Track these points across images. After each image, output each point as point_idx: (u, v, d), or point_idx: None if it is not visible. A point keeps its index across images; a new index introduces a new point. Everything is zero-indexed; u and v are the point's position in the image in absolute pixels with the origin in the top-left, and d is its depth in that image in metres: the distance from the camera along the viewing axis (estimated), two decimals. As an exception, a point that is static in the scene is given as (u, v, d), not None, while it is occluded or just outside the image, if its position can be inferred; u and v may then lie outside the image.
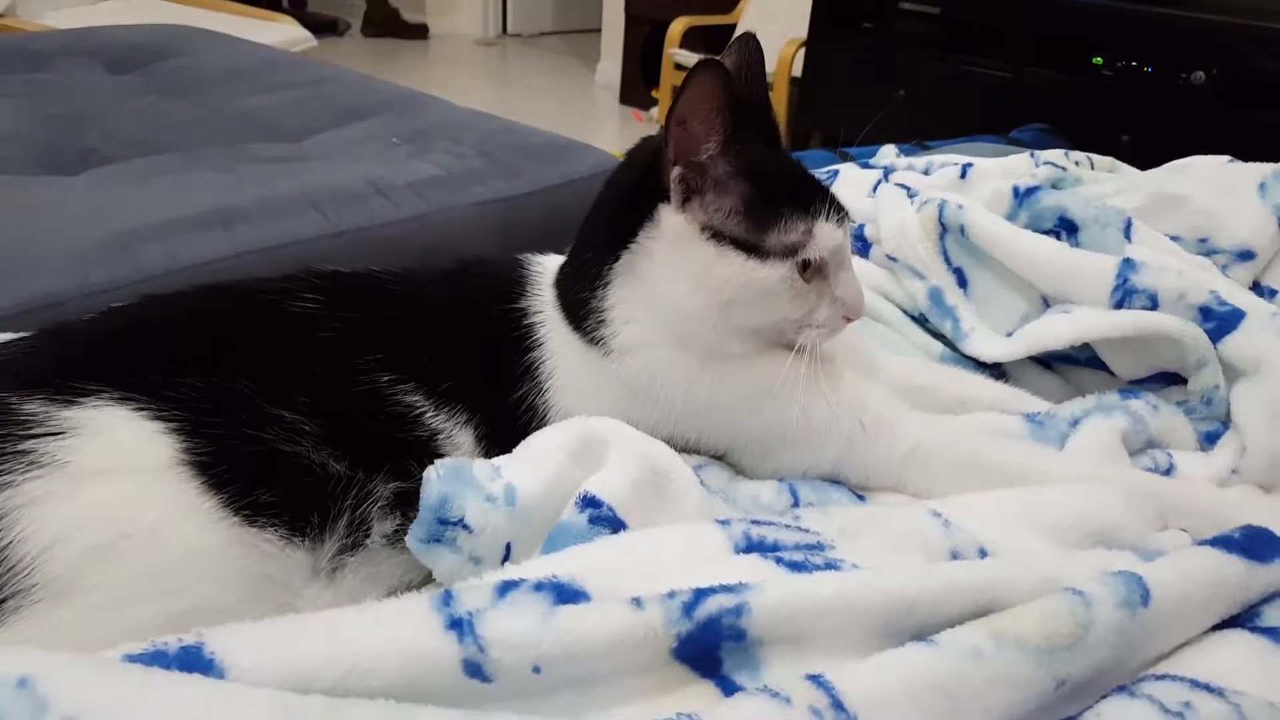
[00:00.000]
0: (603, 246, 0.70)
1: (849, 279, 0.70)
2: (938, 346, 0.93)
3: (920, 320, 0.96)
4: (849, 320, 0.71)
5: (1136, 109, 2.24)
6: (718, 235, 0.66)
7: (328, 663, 0.43)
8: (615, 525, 0.59)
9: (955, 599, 0.52)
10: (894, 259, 0.97)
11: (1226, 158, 1.06)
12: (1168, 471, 0.77)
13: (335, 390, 0.64)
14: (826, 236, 0.67)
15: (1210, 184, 0.99)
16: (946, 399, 0.83)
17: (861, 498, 0.71)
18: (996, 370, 0.89)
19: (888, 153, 1.38)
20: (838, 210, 0.69)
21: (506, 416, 0.69)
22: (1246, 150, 1.08)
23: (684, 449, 0.71)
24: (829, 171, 1.23)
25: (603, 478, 0.60)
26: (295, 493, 0.58)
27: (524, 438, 0.68)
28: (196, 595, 0.54)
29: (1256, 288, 0.94)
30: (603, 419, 0.64)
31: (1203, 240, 0.97)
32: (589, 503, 0.59)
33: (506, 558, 0.60)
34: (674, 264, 0.67)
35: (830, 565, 0.55)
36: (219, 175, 1.26)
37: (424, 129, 1.49)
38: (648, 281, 0.68)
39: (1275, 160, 1.00)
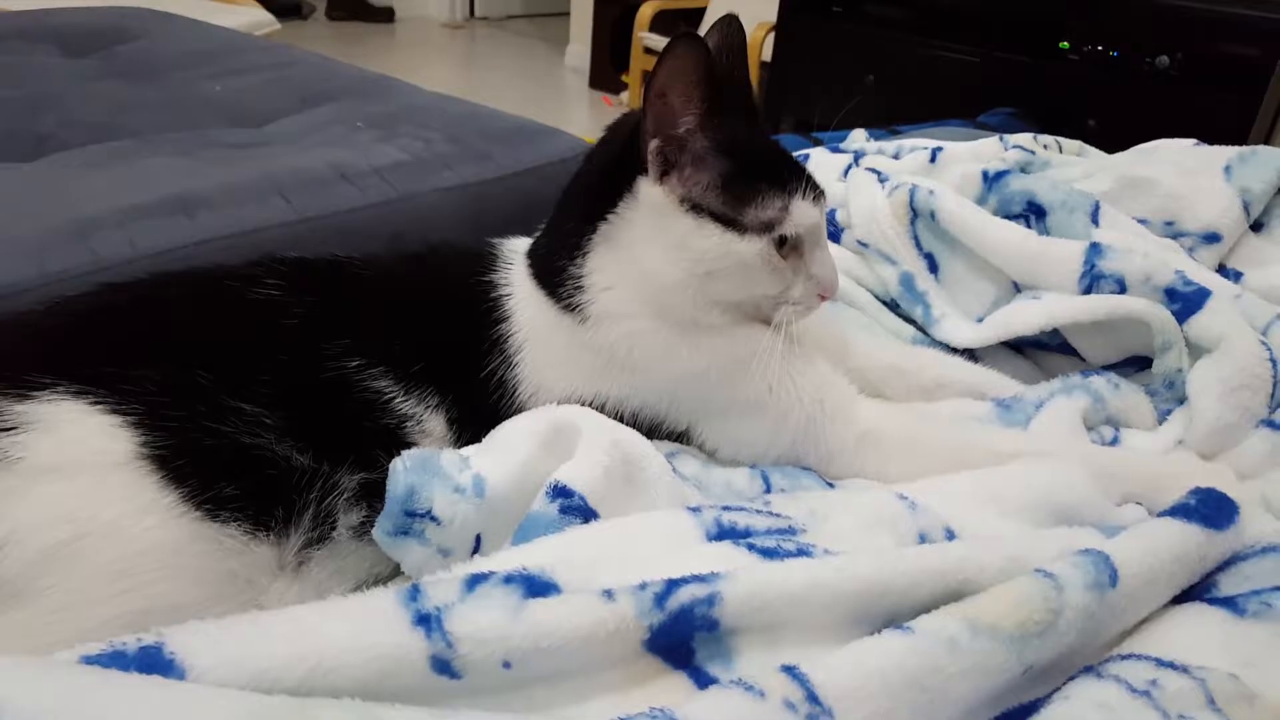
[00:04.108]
0: (582, 216, 0.70)
1: (824, 257, 0.71)
2: (909, 331, 0.93)
3: (892, 305, 0.96)
4: (824, 298, 0.71)
5: (1103, 92, 2.26)
6: (696, 208, 0.66)
7: (292, 661, 0.42)
8: (586, 515, 0.58)
9: (927, 582, 0.52)
10: (865, 244, 0.97)
11: (1193, 141, 1.07)
12: (1113, 444, 0.78)
13: (300, 379, 0.63)
14: (803, 214, 0.67)
15: (1177, 167, 1.00)
16: (925, 381, 0.84)
17: (831, 485, 0.71)
18: (968, 355, 0.89)
19: (858, 137, 1.38)
20: (814, 189, 0.69)
21: (477, 396, 0.69)
22: (1208, 132, 1.09)
23: (650, 425, 0.71)
24: (800, 156, 1.22)
25: (574, 466, 0.59)
26: (258, 486, 0.57)
27: (496, 417, 0.67)
28: (158, 593, 0.53)
29: (1222, 270, 0.95)
30: (573, 407, 0.63)
31: (1169, 223, 0.97)
32: (560, 492, 0.58)
33: (476, 549, 0.59)
34: (653, 235, 0.67)
35: (802, 550, 0.55)
36: (180, 161, 1.23)
37: (390, 113, 1.47)
38: (627, 251, 0.68)
39: (1237, 142, 1.01)
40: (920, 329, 0.93)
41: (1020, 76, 2.36)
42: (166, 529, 0.54)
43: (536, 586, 0.49)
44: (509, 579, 0.49)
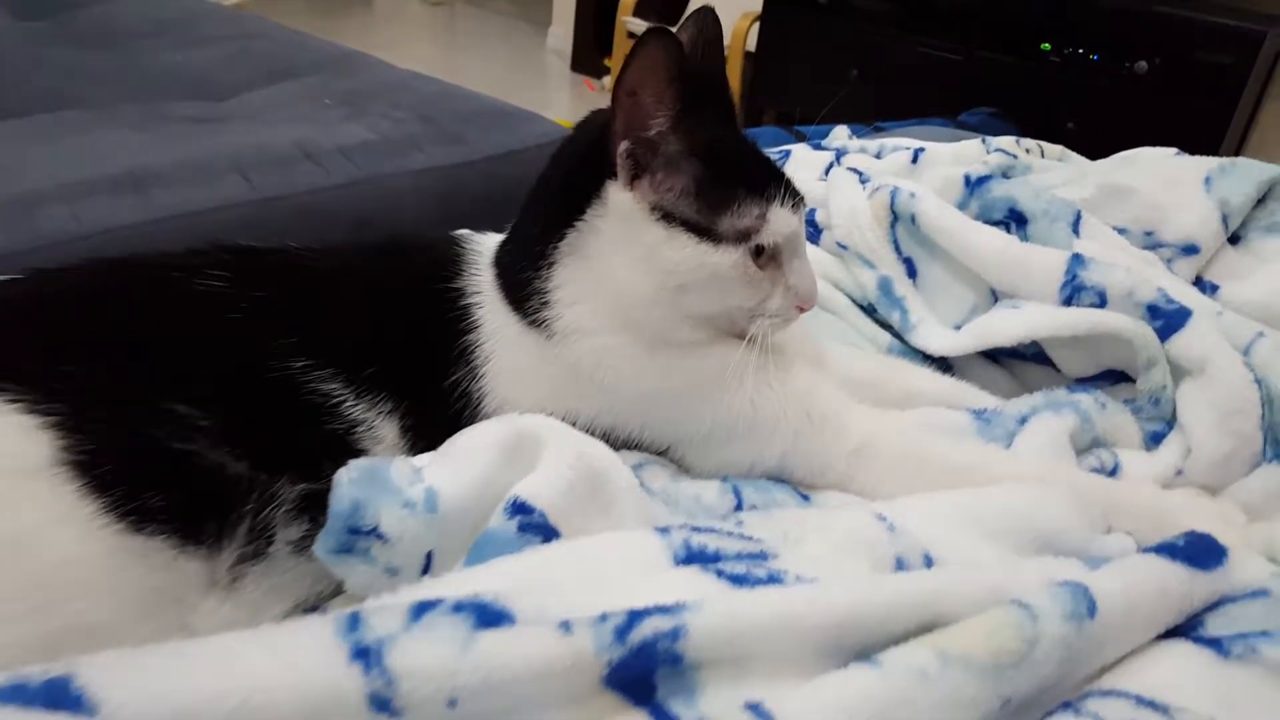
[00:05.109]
0: (548, 224, 0.66)
1: (803, 267, 0.67)
2: (885, 337, 0.90)
3: (869, 310, 0.93)
4: (802, 310, 0.68)
5: (1082, 95, 2.27)
6: (668, 216, 0.63)
7: (216, 697, 0.39)
8: (547, 533, 0.55)
9: (901, 613, 0.50)
10: (844, 246, 0.94)
11: (1174, 150, 1.05)
12: (1113, 471, 0.75)
13: (241, 380, 0.60)
14: (781, 222, 0.64)
15: (1158, 176, 0.99)
16: (893, 393, 0.81)
17: (806, 497, 0.68)
18: (942, 363, 0.87)
19: (840, 134, 1.35)
20: (793, 195, 0.66)
21: (436, 404, 0.65)
22: (1184, 137, 1.09)
23: (625, 442, 0.68)
24: (781, 152, 1.19)
25: (535, 481, 0.56)
26: (189, 496, 0.54)
27: (455, 427, 0.64)
28: (74, 612, 0.49)
29: (1199, 282, 0.94)
30: (537, 416, 0.60)
31: (1149, 233, 0.96)
32: (519, 509, 0.55)
33: (428, 568, 0.56)
34: (622, 245, 0.64)
35: (773, 577, 0.52)
36: (135, 134, 1.18)
37: (360, 90, 1.42)
38: (594, 262, 0.64)
39: (1210, 148, 1.00)
40: (897, 335, 0.90)
41: (1002, 76, 2.37)
42: (86, 541, 0.50)
43: (488, 615, 0.46)
44: (459, 607, 0.46)
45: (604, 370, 0.65)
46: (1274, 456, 0.73)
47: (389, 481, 0.54)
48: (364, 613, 0.45)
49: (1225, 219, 0.93)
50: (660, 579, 0.51)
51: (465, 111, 1.36)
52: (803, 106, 2.66)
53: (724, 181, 0.63)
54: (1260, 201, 0.95)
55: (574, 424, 0.66)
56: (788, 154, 1.17)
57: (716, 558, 0.54)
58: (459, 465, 0.56)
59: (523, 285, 0.66)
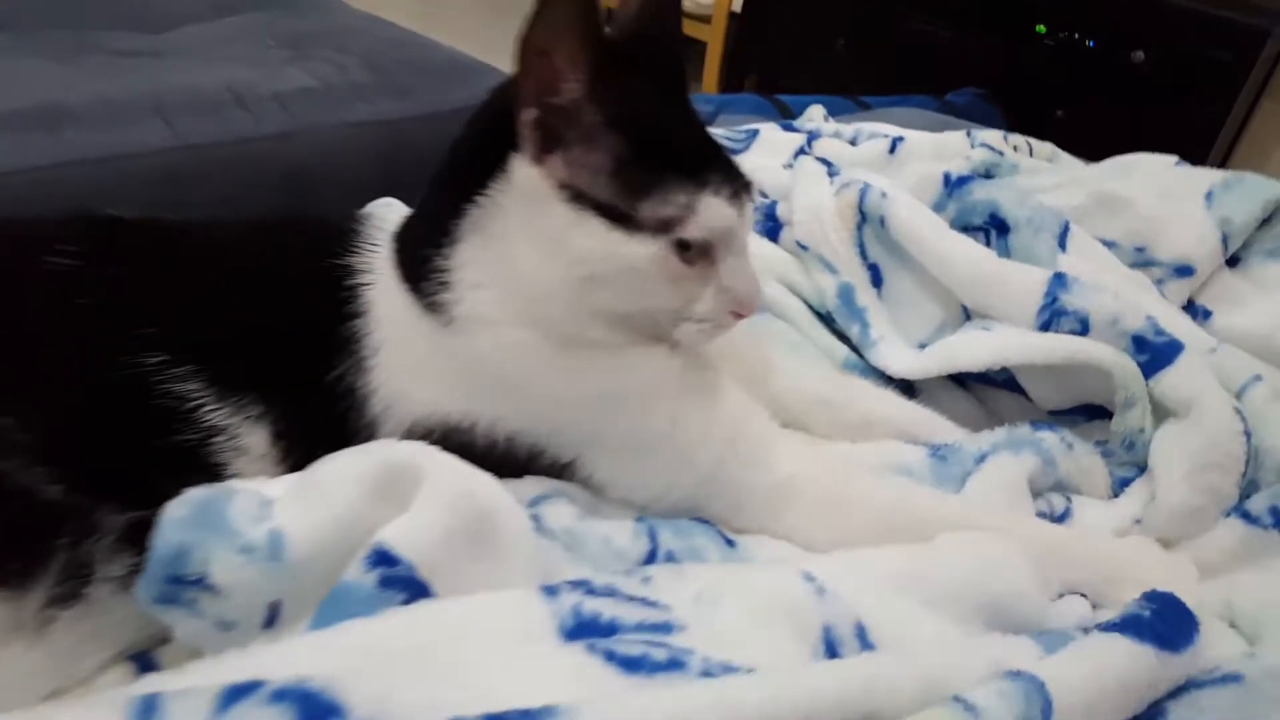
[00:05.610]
0: (453, 196, 0.57)
1: (742, 267, 0.58)
2: (842, 351, 0.82)
3: (827, 319, 0.84)
4: (739, 316, 0.59)
5: (1073, 82, 2.21)
6: (580, 197, 0.53)
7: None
8: (414, 590, 0.46)
9: (824, 713, 0.42)
10: (805, 246, 0.85)
11: (1174, 158, 0.97)
12: (1062, 517, 0.68)
13: (78, 381, 0.51)
14: (713, 214, 0.55)
15: (1155, 188, 0.90)
16: (849, 417, 0.73)
17: (731, 543, 0.60)
18: (905, 385, 0.79)
19: (815, 114, 1.25)
20: (734, 184, 0.56)
21: (317, 404, 0.57)
22: (1176, 133, 1.01)
23: (529, 453, 0.60)
24: (747, 131, 1.09)
25: (405, 525, 0.47)
26: None
27: (341, 432, 0.56)
28: None
29: (1190, 306, 0.86)
30: (415, 444, 0.51)
31: (1140, 249, 0.87)
32: (381, 559, 0.46)
33: (273, 619, 0.47)
34: (526, 226, 0.55)
35: (674, 661, 0.44)
36: (55, 65, 1.07)
37: (309, 32, 1.31)
38: (498, 244, 0.56)
39: (1202, 147, 0.92)
40: (855, 350, 0.82)
41: (993, 57, 2.29)
42: None
43: (316, 709, 0.37)
44: (280, 695, 0.38)
45: (509, 368, 0.57)
46: (1235, 510, 0.65)
47: (225, 521, 0.45)
48: (162, 698, 0.37)
49: (1225, 239, 0.85)
50: (536, 662, 0.43)
51: (420, 61, 1.26)
52: (786, 76, 2.56)
53: (650, 162, 0.54)
54: (1265, 222, 0.87)
55: (474, 427, 0.58)
56: (755, 133, 1.07)
57: (611, 630, 0.46)
58: (314, 502, 0.47)
59: (422, 262, 0.57)
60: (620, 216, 0.53)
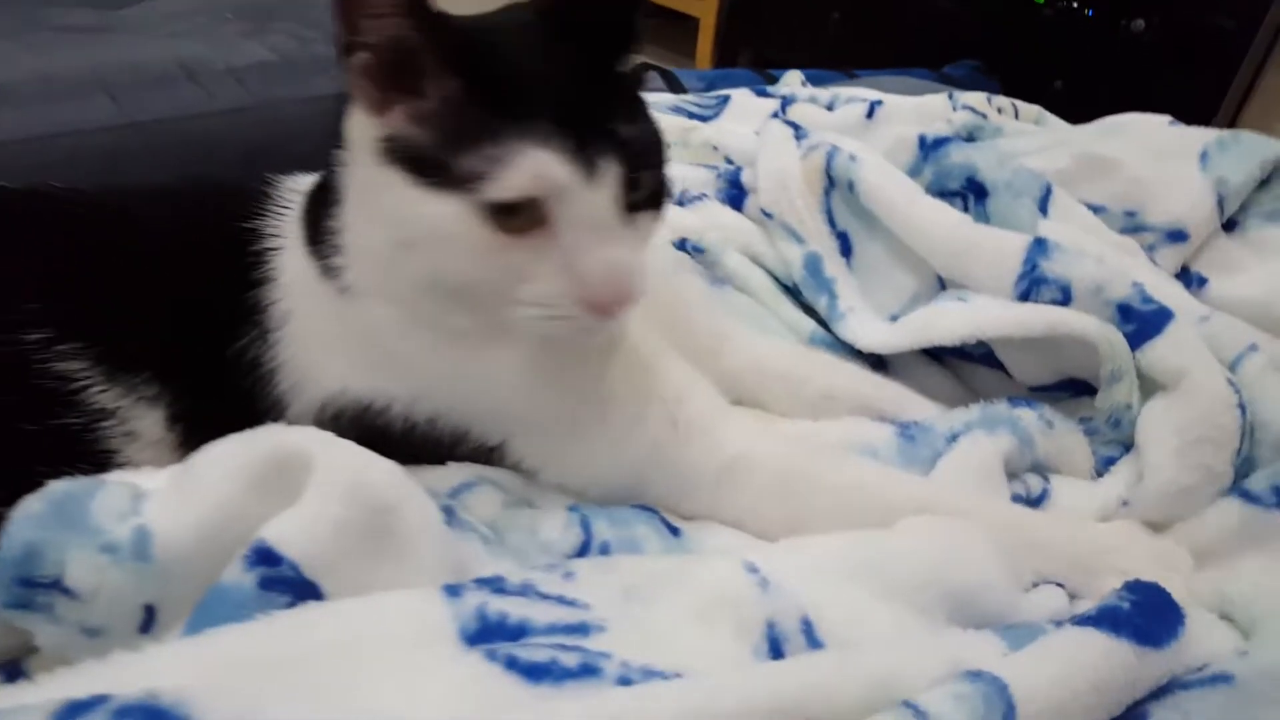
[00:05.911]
0: (340, 151, 0.52)
1: (590, 245, 0.47)
2: (809, 325, 0.76)
3: (794, 291, 0.79)
4: (601, 312, 0.48)
5: (1073, 52, 2.15)
6: (395, 150, 0.47)
7: None
8: (300, 590, 0.41)
9: (753, 725, 0.37)
10: (770, 214, 0.79)
11: (1167, 118, 0.91)
12: (1039, 500, 0.63)
13: None
14: (529, 169, 0.44)
15: (1146, 148, 0.84)
16: (811, 393, 0.68)
17: (675, 531, 0.55)
18: (875, 360, 0.74)
19: (791, 80, 1.19)
20: (586, 140, 0.45)
21: (218, 381, 0.52)
22: (1177, 103, 0.96)
23: (453, 437, 0.54)
24: (719, 97, 1.04)
25: (290, 520, 0.42)
26: None
27: (246, 410, 0.52)
28: None
29: (1184, 273, 0.80)
30: (306, 430, 0.46)
31: (1131, 213, 0.82)
32: (262, 557, 0.41)
33: (149, 624, 0.42)
34: (356, 186, 0.50)
35: (586, 668, 0.39)
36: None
37: (269, 4, 1.27)
38: (350, 205, 0.51)
39: (1204, 118, 0.86)
40: (823, 324, 0.76)
41: (991, 29, 2.23)
42: None
43: (159, 728, 0.33)
44: (123, 713, 0.33)
45: (405, 343, 0.52)
46: (1233, 490, 0.59)
47: (86, 517, 0.41)
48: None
49: (1221, 201, 0.79)
50: (427, 674, 0.38)
51: (389, 33, 1.21)
52: (780, 49, 2.50)
53: (481, 106, 0.45)
54: (1264, 183, 0.81)
55: (389, 408, 0.53)
56: (726, 99, 1.02)
57: (520, 632, 0.41)
58: (189, 495, 0.42)
59: (318, 220, 0.53)
60: (432, 170, 0.46)
